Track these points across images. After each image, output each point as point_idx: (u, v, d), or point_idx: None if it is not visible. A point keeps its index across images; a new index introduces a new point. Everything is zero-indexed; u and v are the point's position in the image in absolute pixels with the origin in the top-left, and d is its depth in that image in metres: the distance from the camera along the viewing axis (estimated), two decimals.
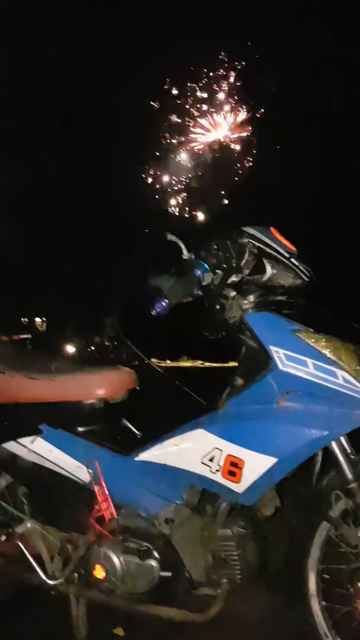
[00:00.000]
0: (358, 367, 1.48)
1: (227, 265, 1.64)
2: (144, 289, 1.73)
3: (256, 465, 1.55)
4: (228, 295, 1.66)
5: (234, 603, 1.73)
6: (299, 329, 1.55)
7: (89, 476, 1.81)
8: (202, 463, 1.63)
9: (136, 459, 1.78)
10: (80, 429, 1.91)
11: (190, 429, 1.69)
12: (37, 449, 1.92)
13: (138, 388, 1.97)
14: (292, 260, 1.65)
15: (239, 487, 1.58)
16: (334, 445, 1.54)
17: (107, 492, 1.79)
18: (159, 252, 1.78)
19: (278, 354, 1.55)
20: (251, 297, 1.66)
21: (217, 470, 1.60)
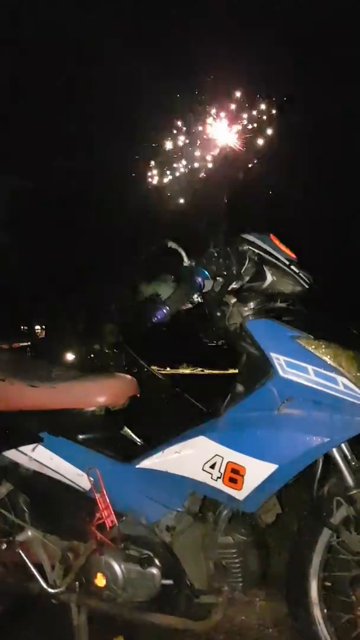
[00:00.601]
0: (358, 374, 1.48)
1: (227, 272, 1.65)
2: (144, 296, 1.74)
3: (257, 472, 1.55)
4: (228, 302, 1.67)
5: (236, 611, 1.72)
6: (299, 335, 1.56)
7: (89, 484, 1.81)
8: (203, 470, 1.63)
9: (137, 466, 1.78)
10: (81, 436, 1.91)
11: (191, 436, 1.69)
12: (38, 456, 1.91)
13: (139, 395, 1.97)
14: (292, 267, 1.65)
15: (240, 494, 1.58)
16: (334, 452, 1.55)
17: (108, 499, 1.78)
18: (160, 260, 1.78)
19: (278, 360, 1.55)
20: (251, 304, 1.67)
21: (218, 477, 1.60)
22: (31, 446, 1.92)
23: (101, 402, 1.90)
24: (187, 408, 1.86)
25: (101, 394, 1.91)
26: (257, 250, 1.67)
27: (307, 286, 1.65)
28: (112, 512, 1.78)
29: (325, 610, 1.65)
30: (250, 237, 1.69)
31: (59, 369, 2.11)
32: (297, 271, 1.65)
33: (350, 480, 1.54)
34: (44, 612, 2.01)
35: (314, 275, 1.67)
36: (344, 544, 1.59)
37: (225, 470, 1.59)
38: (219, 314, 1.66)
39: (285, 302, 1.69)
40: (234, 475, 1.58)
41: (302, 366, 1.53)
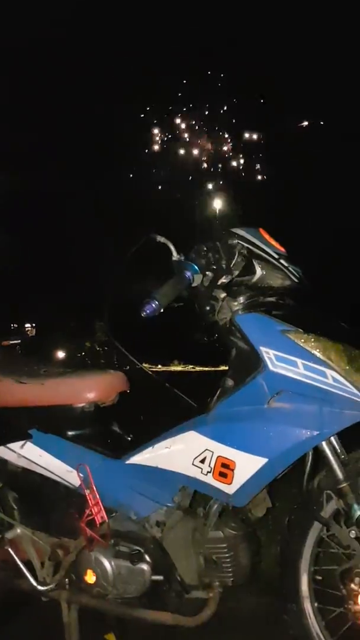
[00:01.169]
0: (347, 367, 1.48)
1: (217, 266, 1.64)
2: (133, 291, 1.73)
3: (247, 466, 1.55)
4: (218, 297, 1.66)
5: (226, 606, 1.72)
6: (288, 329, 1.55)
7: (79, 480, 1.80)
8: (193, 465, 1.62)
9: (127, 462, 1.77)
10: (70, 433, 1.90)
11: (181, 431, 1.69)
12: (27, 453, 1.90)
13: (128, 391, 1.96)
14: (281, 261, 1.65)
15: (230, 489, 1.58)
16: (324, 445, 1.55)
17: (97, 496, 1.77)
18: (148, 254, 1.77)
19: (268, 354, 1.55)
20: (241, 299, 1.66)
21: (209, 472, 1.60)
22: (20, 443, 1.91)
23: (90, 398, 1.89)
24: (177, 403, 1.85)
25: (90, 390, 1.90)
26: (246, 245, 1.66)
27: (296, 280, 1.65)
28: (102, 508, 1.77)
29: (315, 604, 1.65)
30: (240, 231, 1.68)
31: (49, 366, 2.10)
32: (287, 265, 1.65)
33: (339, 474, 1.54)
34: (33, 609, 2.00)
35: (303, 268, 1.67)
36: (334, 538, 1.59)
37: (215, 465, 1.59)
38: (208, 308, 1.65)
39: (275, 296, 1.68)
40: (224, 469, 1.57)
41: (291, 360, 1.52)
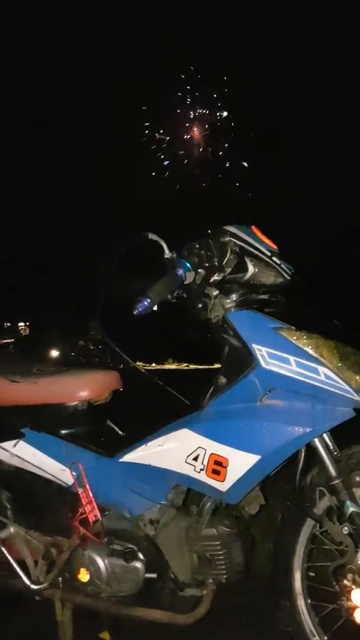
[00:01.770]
0: (340, 364, 1.49)
1: (209, 264, 1.64)
2: (126, 289, 1.72)
3: (240, 463, 1.55)
4: (210, 294, 1.66)
5: (220, 603, 1.72)
6: (281, 326, 1.55)
7: (72, 479, 1.80)
8: (187, 463, 1.62)
9: (120, 460, 1.77)
10: (63, 431, 1.90)
11: (174, 429, 1.69)
12: (20, 452, 1.90)
13: (121, 389, 1.96)
14: (274, 258, 1.65)
15: (223, 486, 1.58)
16: (317, 442, 1.55)
17: (91, 494, 1.77)
18: (141, 252, 1.77)
19: (260, 352, 1.55)
20: (233, 296, 1.66)
21: (202, 470, 1.60)
22: (13, 442, 1.90)
23: (83, 396, 1.88)
24: (170, 401, 1.85)
25: (83, 388, 1.89)
26: (238, 242, 1.65)
27: (288, 277, 1.65)
28: (96, 506, 1.77)
29: (309, 601, 1.65)
30: (232, 229, 1.68)
31: (42, 365, 2.09)
32: (279, 262, 1.65)
33: (332, 471, 1.54)
34: (27, 608, 1.99)
35: (295, 265, 1.67)
36: (327, 534, 1.60)
37: (208, 462, 1.59)
38: (200, 306, 1.65)
39: (267, 294, 1.68)
40: (217, 467, 1.57)
41: (284, 357, 1.52)
